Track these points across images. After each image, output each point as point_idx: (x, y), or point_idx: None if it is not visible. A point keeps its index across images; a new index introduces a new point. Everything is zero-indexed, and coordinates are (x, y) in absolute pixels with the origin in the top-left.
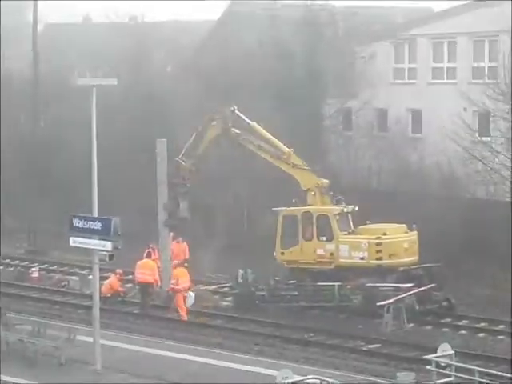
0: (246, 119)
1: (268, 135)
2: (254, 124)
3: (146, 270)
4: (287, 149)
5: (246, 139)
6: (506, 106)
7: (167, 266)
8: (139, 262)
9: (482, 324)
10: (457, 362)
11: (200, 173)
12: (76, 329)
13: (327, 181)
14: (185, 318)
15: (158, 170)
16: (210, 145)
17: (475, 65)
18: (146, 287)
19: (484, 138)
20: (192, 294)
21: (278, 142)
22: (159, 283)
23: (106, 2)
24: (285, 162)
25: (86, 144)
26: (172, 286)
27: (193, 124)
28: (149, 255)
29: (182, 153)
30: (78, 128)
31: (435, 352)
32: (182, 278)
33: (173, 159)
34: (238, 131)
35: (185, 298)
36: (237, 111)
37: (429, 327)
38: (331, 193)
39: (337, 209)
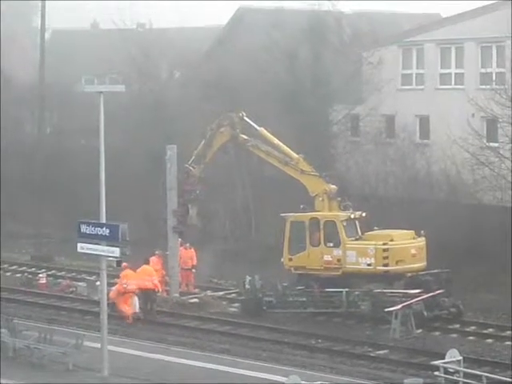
0: (255, 125)
1: (276, 141)
2: (262, 130)
3: (144, 276)
4: (296, 155)
5: (254, 145)
6: None
7: (176, 273)
8: (138, 270)
9: (490, 330)
10: (465, 367)
11: (208, 179)
12: (83, 335)
13: (335, 187)
14: (130, 320)
15: (167, 177)
16: (219, 151)
17: (483, 70)
18: (147, 294)
19: (492, 144)
20: (136, 299)
21: (286, 148)
22: (159, 289)
23: (113, 8)
24: (293, 167)
25: (92, 150)
26: (125, 286)
27: (200, 130)
28: (147, 262)
29: (192, 159)
30: (85, 134)
31: (443, 358)
32: (130, 279)
33: (181, 165)
34: (246, 137)
35: (130, 300)
36: (245, 117)
37: (437, 333)
38: (339, 199)
39: (344, 215)
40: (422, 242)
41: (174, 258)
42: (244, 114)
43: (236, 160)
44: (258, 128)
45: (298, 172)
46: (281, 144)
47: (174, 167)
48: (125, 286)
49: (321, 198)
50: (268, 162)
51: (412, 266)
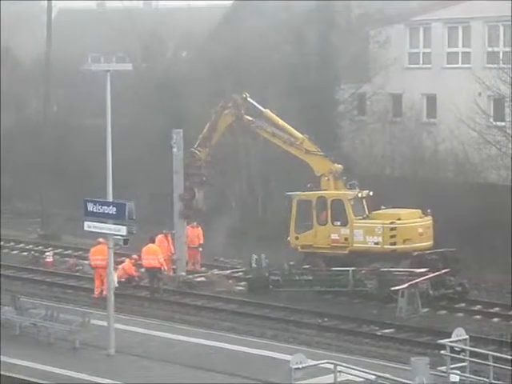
0: (259, 106)
1: (281, 122)
2: (267, 111)
3: (149, 255)
4: (300, 135)
5: (258, 126)
6: None
7: (183, 252)
8: (143, 248)
9: (496, 309)
10: (471, 346)
11: (215, 160)
12: (90, 313)
13: (341, 166)
14: (97, 296)
15: (173, 161)
16: (224, 133)
17: (490, 49)
18: (153, 272)
19: (498, 123)
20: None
21: (290, 129)
22: (165, 267)
23: None
24: (298, 148)
25: (99, 129)
26: (87, 262)
27: (206, 109)
28: (152, 240)
29: (197, 143)
30: (92, 113)
31: (449, 337)
32: (96, 255)
33: (187, 147)
34: (250, 118)
35: (103, 276)
36: (249, 98)
37: (443, 312)
38: (344, 178)
39: (351, 194)
40: (428, 220)
41: (181, 239)
42: (247, 94)
43: (242, 139)
44: (262, 109)
45: (302, 152)
46: (285, 125)
47: (180, 151)
48: (87, 262)
49: (326, 178)
50: (273, 143)
51: (419, 244)
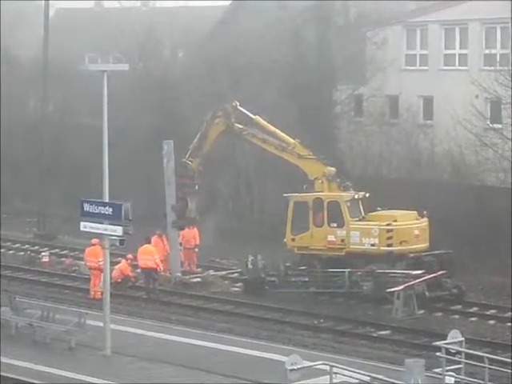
0: (249, 113)
1: (272, 128)
2: (257, 118)
3: (146, 255)
4: (292, 140)
5: (250, 134)
6: None
7: (176, 253)
8: (140, 249)
9: (492, 311)
10: (466, 348)
11: (209, 165)
12: (86, 313)
13: (333, 169)
14: (92, 297)
15: (165, 171)
16: (215, 143)
17: (487, 51)
18: (149, 272)
19: (495, 125)
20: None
21: (282, 134)
22: (161, 268)
23: None
24: (290, 153)
25: (96, 129)
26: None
27: (203, 109)
28: (148, 241)
29: (188, 153)
30: (88, 113)
31: (445, 339)
32: (91, 256)
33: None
34: (241, 126)
35: (99, 277)
36: (239, 107)
37: (439, 314)
38: (338, 180)
39: (348, 195)
40: (424, 222)
41: (175, 241)
42: (238, 103)
43: (238, 141)
44: (252, 116)
45: (295, 157)
46: (277, 131)
47: (171, 162)
48: (83, 262)
49: (320, 181)
50: (265, 149)
51: (415, 246)
